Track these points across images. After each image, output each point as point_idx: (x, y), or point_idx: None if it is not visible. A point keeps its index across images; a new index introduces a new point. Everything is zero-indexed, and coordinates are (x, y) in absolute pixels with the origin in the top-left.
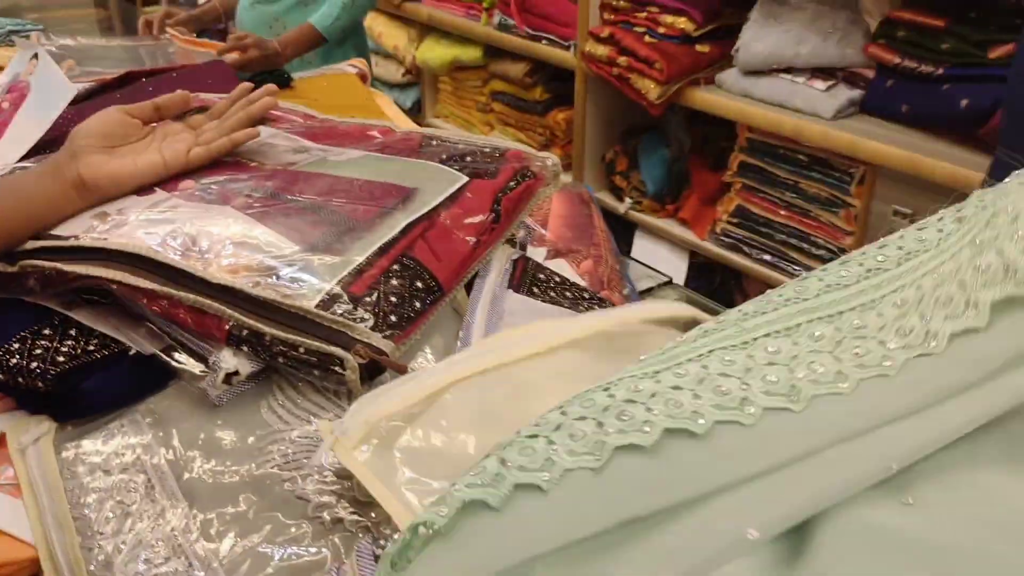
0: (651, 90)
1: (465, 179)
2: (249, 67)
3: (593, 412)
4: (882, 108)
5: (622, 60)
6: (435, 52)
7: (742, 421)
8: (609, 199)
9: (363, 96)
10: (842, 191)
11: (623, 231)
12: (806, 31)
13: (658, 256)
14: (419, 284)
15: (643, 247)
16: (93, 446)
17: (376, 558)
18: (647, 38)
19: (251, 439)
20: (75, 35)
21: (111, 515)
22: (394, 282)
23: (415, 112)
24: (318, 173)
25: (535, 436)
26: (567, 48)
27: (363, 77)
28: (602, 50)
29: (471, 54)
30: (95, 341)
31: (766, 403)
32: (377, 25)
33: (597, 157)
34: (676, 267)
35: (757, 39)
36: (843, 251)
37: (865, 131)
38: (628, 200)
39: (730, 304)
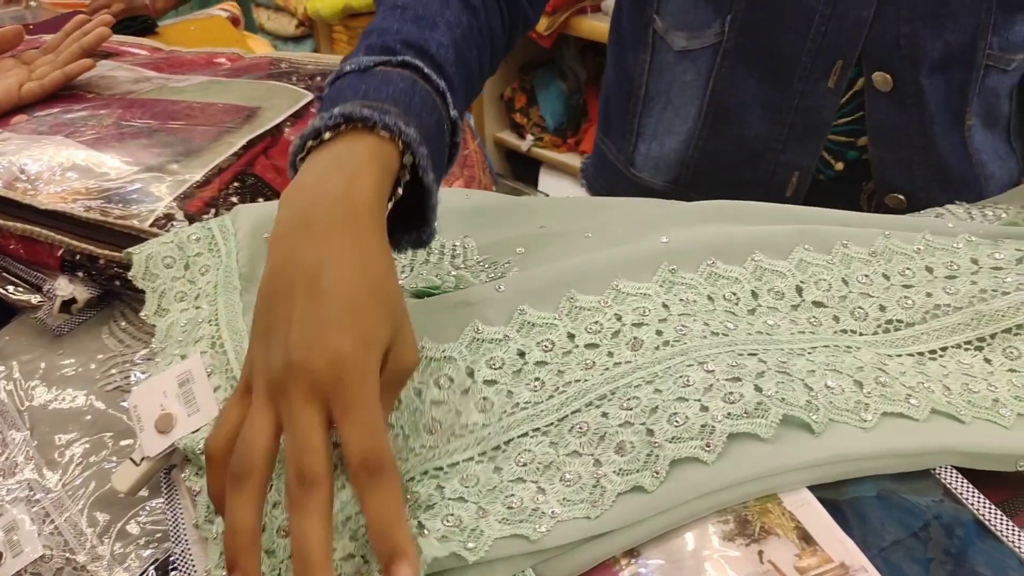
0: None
1: (310, 96)
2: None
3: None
4: None
5: None
6: (325, 1)
7: None
8: (511, 138)
9: (234, 39)
10: None
11: (528, 169)
12: None
13: (563, 190)
14: (261, 200)
15: (548, 183)
16: None
17: None
18: None
19: (93, 365)
20: None
21: None
22: (234, 199)
23: None
24: (157, 99)
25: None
26: None
27: (235, 20)
28: None
29: (362, 0)
30: None
31: None
32: None
33: (496, 96)
34: None
35: None
36: None
37: None
38: (530, 137)
39: None
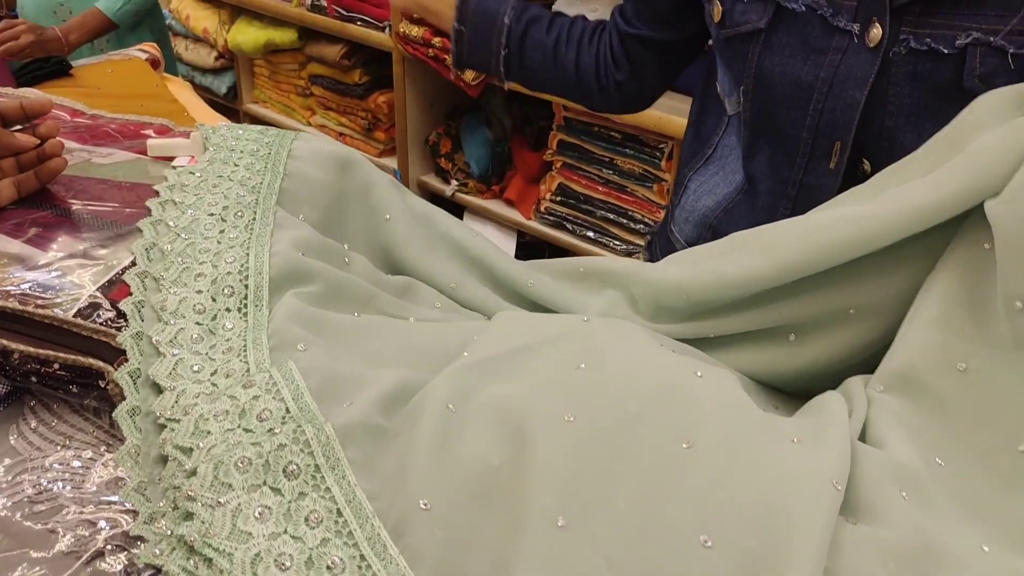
0: (467, 71)
1: None
2: (25, 54)
3: None
4: (686, 86)
5: (436, 41)
6: (247, 35)
7: None
8: (435, 182)
9: (152, 83)
10: (654, 166)
11: (451, 213)
12: (611, 9)
13: (487, 237)
14: None
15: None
16: None
17: None
18: None
19: None
20: None
21: None
22: None
23: (231, 98)
24: (80, 177)
25: None
26: (382, 29)
27: (154, 63)
28: (416, 31)
29: (285, 36)
30: None
31: None
32: (184, 8)
33: (421, 140)
34: (505, 247)
35: None
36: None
37: (671, 107)
38: (454, 182)
39: None
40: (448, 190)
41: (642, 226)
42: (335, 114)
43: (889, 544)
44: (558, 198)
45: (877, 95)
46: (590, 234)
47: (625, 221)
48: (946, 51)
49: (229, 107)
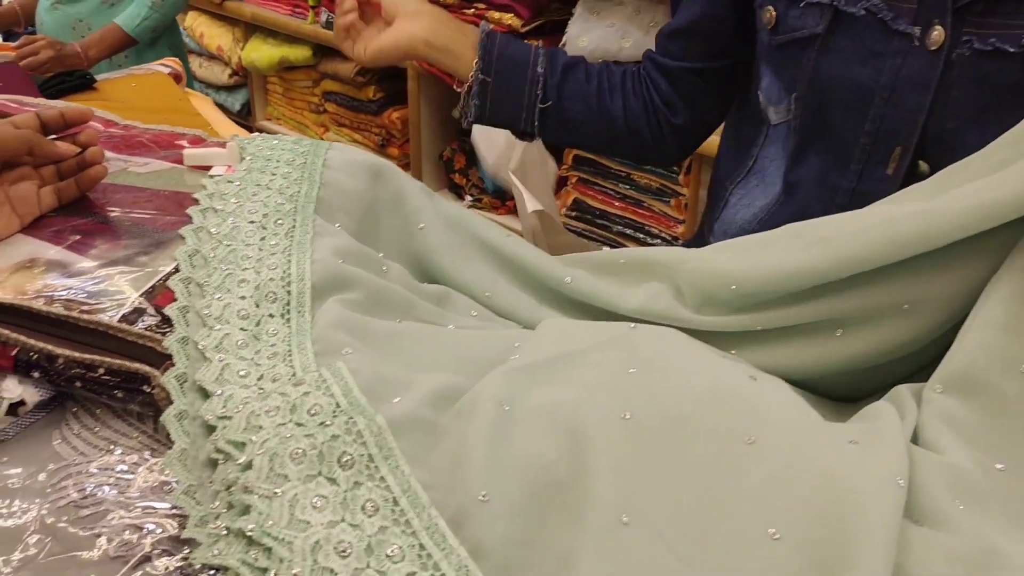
0: None
1: None
2: (44, 69)
3: None
4: None
5: None
6: (261, 52)
7: None
8: (449, 197)
9: (176, 97)
10: (671, 180)
11: None
12: (628, 25)
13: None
14: None
15: None
16: None
17: None
18: None
19: (42, 475)
20: None
21: None
22: None
23: (245, 115)
24: (118, 185)
25: None
26: None
27: (176, 77)
28: None
29: (299, 54)
30: None
31: None
32: (199, 25)
33: (435, 155)
34: None
35: (582, 34)
36: (676, 239)
37: None
38: (468, 198)
39: None
40: (462, 206)
41: (659, 241)
42: (348, 130)
43: (955, 547)
44: (574, 213)
45: (939, 98)
46: (606, 249)
47: (642, 236)
48: (1012, 50)
49: (242, 124)
